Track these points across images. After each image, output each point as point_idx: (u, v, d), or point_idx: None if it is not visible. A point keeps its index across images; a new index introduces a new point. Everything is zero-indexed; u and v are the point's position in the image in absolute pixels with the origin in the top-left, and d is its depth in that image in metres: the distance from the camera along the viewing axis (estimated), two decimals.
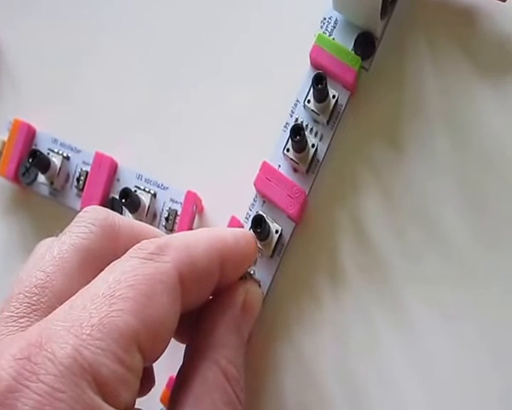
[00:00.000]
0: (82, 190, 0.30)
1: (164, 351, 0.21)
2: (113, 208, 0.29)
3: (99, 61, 0.32)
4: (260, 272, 0.28)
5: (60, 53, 0.32)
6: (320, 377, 0.27)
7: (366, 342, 0.27)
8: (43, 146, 0.31)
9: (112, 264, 0.21)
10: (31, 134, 0.31)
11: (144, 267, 0.20)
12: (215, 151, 0.30)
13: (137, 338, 0.19)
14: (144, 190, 0.30)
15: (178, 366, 0.23)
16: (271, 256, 0.28)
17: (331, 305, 0.28)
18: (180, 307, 0.21)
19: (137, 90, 0.32)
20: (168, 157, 0.31)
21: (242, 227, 0.28)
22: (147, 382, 0.23)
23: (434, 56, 0.28)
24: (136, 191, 0.29)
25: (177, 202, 0.29)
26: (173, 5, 0.32)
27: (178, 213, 0.29)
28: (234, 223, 0.28)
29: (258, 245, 0.28)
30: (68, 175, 0.31)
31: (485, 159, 0.27)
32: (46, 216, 0.31)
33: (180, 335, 0.24)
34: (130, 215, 0.29)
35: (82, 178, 0.30)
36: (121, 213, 0.29)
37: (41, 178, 0.30)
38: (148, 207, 0.29)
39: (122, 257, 0.21)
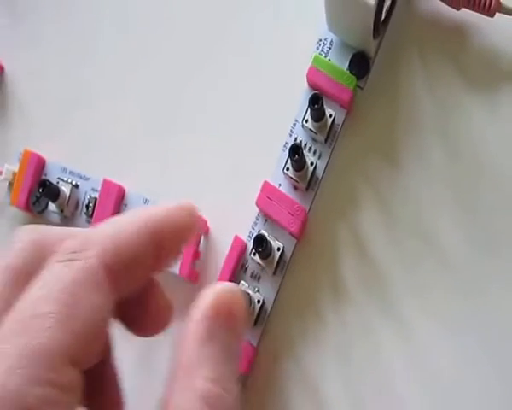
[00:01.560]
0: (91, 216, 0.31)
1: (104, 346, 0.20)
2: None
3: (105, 91, 0.33)
4: (264, 289, 0.29)
5: (67, 84, 0.34)
6: (324, 393, 0.28)
7: (368, 356, 0.28)
8: (52, 175, 0.32)
9: (37, 276, 0.19)
10: (40, 164, 0.32)
11: (65, 273, 0.19)
12: (218, 172, 0.31)
13: (68, 352, 0.18)
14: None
15: None
16: (274, 273, 0.29)
17: (334, 320, 0.28)
18: (112, 297, 0.20)
19: (143, 117, 0.33)
20: (171, 180, 0.32)
21: (245, 248, 0.29)
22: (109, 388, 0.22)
23: (427, 72, 0.29)
24: None
25: None
26: (176, 33, 0.33)
27: None
28: (237, 242, 0.29)
29: (261, 263, 0.28)
30: (78, 202, 0.32)
31: (478, 169, 0.28)
32: None
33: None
34: None
35: (91, 204, 0.31)
36: None
37: (51, 206, 0.31)
38: None
39: (46, 265, 0.19)
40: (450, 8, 0.29)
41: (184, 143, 0.32)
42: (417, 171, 0.29)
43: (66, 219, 0.32)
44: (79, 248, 0.20)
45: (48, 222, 0.32)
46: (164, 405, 0.19)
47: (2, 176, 0.33)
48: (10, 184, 0.32)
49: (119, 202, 0.31)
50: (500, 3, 0.28)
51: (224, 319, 0.21)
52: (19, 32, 0.34)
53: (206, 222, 0.30)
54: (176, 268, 0.29)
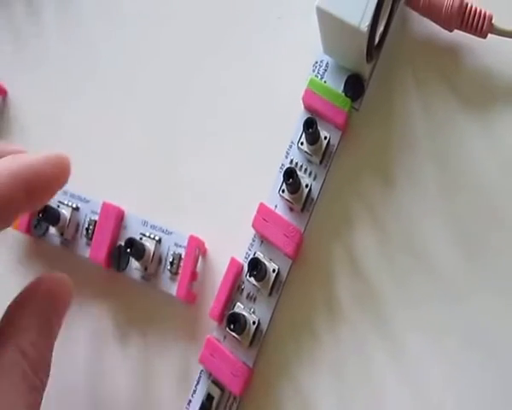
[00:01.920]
0: (91, 239, 0.32)
1: None
2: (119, 256, 0.31)
3: (105, 115, 0.34)
4: (259, 310, 0.29)
5: (68, 108, 0.34)
6: None
7: (363, 374, 0.28)
8: (53, 199, 0.32)
9: None
10: None
11: None
12: (215, 193, 0.32)
13: None
14: (149, 236, 0.31)
15: None
16: (270, 294, 0.29)
17: (329, 339, 0.29)
18: None
19: (142, 140, 0.33)
20: (169, 202, 0.32)
21: (242, 269, 0.30)
22: None
23: (421, 93, 0.29)
24: (141, 238, 0.31)
25: (180, 246, 0.30)
26: (173, 58, 0.33)
27: (182, 256, 0.30)
28: (233, 264, 0.29)
29: (256, 284, 0.29)
30: (78, 225, 0.32)
31: (471, 188, 0.28)
32: (57, 265, 0.33)
33: None
34: (136, 263, 0.30)
35: (91, 227, 0.32)
36: (128, 261, 0.31)
37: (52, 230, 0.32)
38: (153, 253, 0.30)
39: None
40: (443, 30, 0.29)
41: (182, 165, 0.32)
42: (412, 191, 0.29)
43: (67, 242, 0.32)
44: None
45: (48, 245, 0.33)
46: None
47: None
48: None
49: (118, 225, 0.31)
50: (492, 25, 0.28)
51: (44, 294, 0.26)
52: (22, 58, 0.35)
53: (203, 243, 0.31)
54: (173, 289, 0.30)
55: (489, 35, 0.28)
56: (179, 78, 0.33)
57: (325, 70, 0.30)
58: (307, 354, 0.29)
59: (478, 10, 0.28)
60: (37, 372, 0.24)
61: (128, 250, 0.29)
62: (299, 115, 0.30)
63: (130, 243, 0.29)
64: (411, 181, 0.29)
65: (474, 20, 0.28)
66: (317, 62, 0.31)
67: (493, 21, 0.28)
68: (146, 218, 0.31)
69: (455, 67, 0.29)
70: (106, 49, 0.34)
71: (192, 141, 0.32)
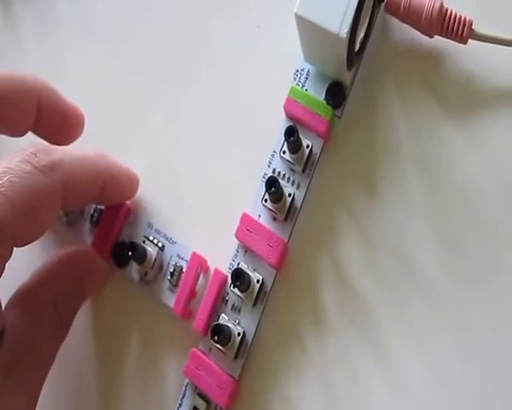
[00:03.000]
0: (95, 226, 0.32)
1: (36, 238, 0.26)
2: (121, 253, 0.31)
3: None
4: (244, 321, 0.29)
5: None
6: None
7: (350, 384, 0.28)
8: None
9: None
10: None
11: (36, 180, 0.24)
12: (199, 206, 0.31)
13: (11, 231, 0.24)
14: (153, 241, 0.31)
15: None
16: (254, 305, 0.29)
17: (315, 349, 0.28)
18: (57, 212, 0.26)
19: None
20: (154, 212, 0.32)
21: (226, 281, 0.29)
22: None
23: (403, 100, 0.29)
24: (144, 242, 0.31)
25: (183, 259, 0.30)
26: (148, 64, 0.33)
27: (183, 269, 0.30)
28: (217, 275, 0.29)
29: (240, 295, 0.29)
30: (83, 209, 0.32)
31: (456, 195, 0.28)
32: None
33: None
34: (136, 266, 0.30)
35: (95, 214, 0.32)
36: (127, 263, 0.31)
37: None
38: (155, 260, 0.30)
39: (17, 154, 0.25)
40: (423, 36, 0.29)
41: (165, 175, 0.32)
42: (395, 197, 0.29)
43: (71, 223, 0.33)
44: (49, 167, 0.25)
45: None
46: None
47: None
48: None
49: (123, 219, 0.32)
50: (472, 30, 0.28)
51: (84, 262, 0.31)
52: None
53: (206, 261, 0.30)
54: (171, 301, 0.30)
55: (470, 40, 0.28)
56: (156, 86, 0.33)
57: (306, 78, 0.30)
58: (294, 364, 0.29)
59: (458, 16, 0.28)
60: (62, 322, 0.29)
61: (130, 253, 0.29)
62: (280, 124, 0.30)
63: (133, 247, 0.29)
64: (394, 187, 0.29)
65: (454, 25, 0.28)
66: (297, 71, 0.30)
67: (473, 27, 0.28)
68: (151, 220, 0.31)
69: (436, 73, 0.29)
70: (85, 59, 0.34)
71: (175, 152, 0.32)
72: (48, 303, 0.28)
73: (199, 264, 0.30)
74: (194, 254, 0.30)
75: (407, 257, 0.28)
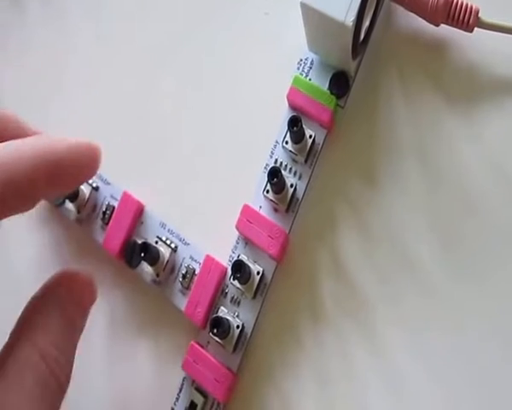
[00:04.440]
0: (107, 224, 0.31)
1: None
2: (132, 253, 0.29)
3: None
4: (243, 314, 0.28)
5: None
6: None
7: (347, 378, 0.27)
8: None
9: None
10: None
11: None
12: (199, 197, 0.31)
13: None
14: (165, 242, 0.30)
15: None
16: (254, 297, 0.28)
17: (313, 343, 0.28)
18: None
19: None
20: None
21: (225, 273, 0.29)
22: None
23: (407, 91, 0.29)
24: (157, 242, 0.30)
25: (196, 261, 0.29)
26: (154, 48, 0.33)
27: (196, 272, 0.29)
28: (208, 262, 0.29)
29: (240, 288, 0.28)
30: (95, 206, 0.31)
31: (457, 188, 0.28)
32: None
33: None
34: (148, 267, 0.29)
35: (108, 212, 0.31)
36: (140, 261, 0.29)
37: (69, 204, 0.31)
38: (167, 261, 0.29)
39: None
40: (429, 25, 0.28)
41: (167, 165, 0.32)
42: (397, 191, 0.28)
43: (82, 220, 0.31)
44: None
45: (63, 216, 0.32)
46: (1, 358, 0.21)
47: None
48: None
49: (135, 219, 0.31)
50: (479, 19, 0.27)
51: (68, 291, 0.24)
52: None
53: (220, 264, 0.29)
54: (182, 304, 0.29)
55: (476, 29, 0.27)
56: (158, 74, 0.33)
57: (310, 68, 0.30)
58: (292, 358, 0.28)
59: (464, 4, 0.27)
60: (57, 375, 0.22)
61: (142, 254, 0.28)
62: (283, 114, 0.29)
63: (145, 247, 0.29)
64: (396, 180, 0.28)
65: (460, 13, 0.27)
66: (301, 60, 0.30)
67: (480, 15, 0.27)
68: (164, 219, 0.30)
69: (441, 63, 0.28)
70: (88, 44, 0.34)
71: (176, 143, 0.32)
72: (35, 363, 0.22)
73: (212, 267, 0.29)
74: (208, 257, 0.29)
75: (407, 251, 0.28)
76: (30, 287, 0.32)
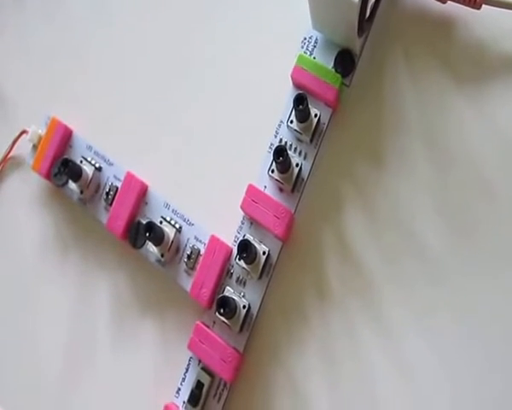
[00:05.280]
0: (110, 204, 0.31)
1: None
2: (137, 233, 0.30)
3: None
4: (249, 294, 0.28)
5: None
6: (310, 397, 0.27)
7: (354, 358, 0.27)
8: (77, 151, 0.32)
9: None
10: (67, 136, 0.32)
11: None
12: (204, 177, 0.31)
13: None
14: (170, 222, 0.30)
15: None
16: (260, 278, 0.28)
17: (319, 323, 0.28)
18: None
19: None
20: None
21: (231, 253, 0.29)
22: None
23: (413, 69, 0.28)
24: (161, 222, 0.30)
25: (200, 242, 0.29)
26: (160, 39, 0.33)
27: (201, 253, 0.29)
28: (213, 243, 0.29)
29: (246, 268, 0.28)
30: (99, 187, 0.31)
31: (466, 170, 0.27)
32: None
33: None
34: (154, 248, 0.29)
35: (111, 193, 0.31)
36: (145, 242, 0.29)
37: (72, 184, 0.31)
38: (172, 241, 0.29)
39: None
40: (436, 2, 0.28)
41: (170, 145, 0.32)
42: (403, 171, 0.28)
43: (85, 201, 0.31)
44: None
45: (66, 197, 0.32)
46: None
47: (28, 137, 0.33)
48: (34, 146, 0.33)
49: (139, 199, 0.30)
50: None
51: None
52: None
53: (225, 244, 0.29)
54: (187, 285, 0.29)
55: (483, 6, 0.27)
56: (165, 56, 0.32)
57: (314, 46, 0.29)
58: (297, 337, 0.28)
59: None
60: None
61: (147, 234, 0.28)
62: (287, 93, 0.29)
63: (150, 227, 0.28)
64: (402, 160, 0.28)
65: None
66: (305, 38, 0.30)
67: None
68: (168, 199, 0.30)
69: (448, 41, 0.28)
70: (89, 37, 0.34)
71: (180, 121, 0.32)
72: None
73: (217, 247, 0.29)
74: (213, 238, 0.29)
75: (413, 233, 0.27)
76: (34, 268, 0.32)
